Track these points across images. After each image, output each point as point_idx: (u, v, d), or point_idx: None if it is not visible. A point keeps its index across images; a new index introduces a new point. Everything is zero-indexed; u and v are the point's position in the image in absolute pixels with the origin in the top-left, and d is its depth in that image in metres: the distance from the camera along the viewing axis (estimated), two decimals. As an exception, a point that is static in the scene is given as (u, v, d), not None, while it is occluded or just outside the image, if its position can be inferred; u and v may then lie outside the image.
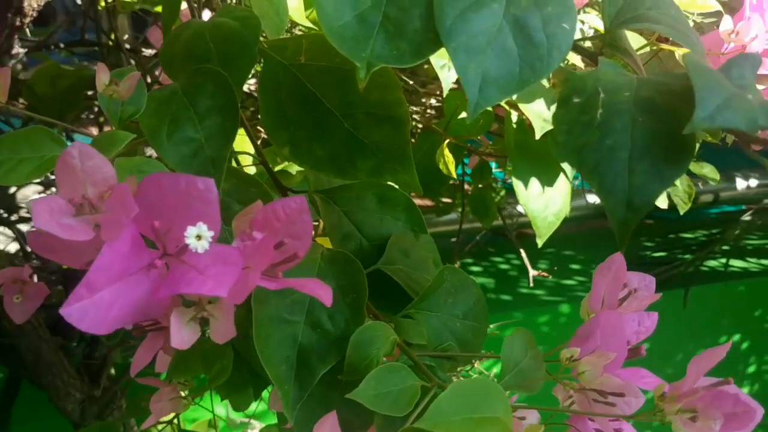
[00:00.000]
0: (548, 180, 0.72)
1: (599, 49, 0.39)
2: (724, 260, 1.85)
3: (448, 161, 0.69)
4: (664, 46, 0.65)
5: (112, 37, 0.99)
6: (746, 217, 1.64)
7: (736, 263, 1.90)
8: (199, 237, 0.33)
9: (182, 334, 0.34)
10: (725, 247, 1.88)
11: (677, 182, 0.85)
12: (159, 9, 0.92)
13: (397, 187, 0.54)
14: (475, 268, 1.93)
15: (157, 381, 0.61)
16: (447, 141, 0.70)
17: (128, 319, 0.34)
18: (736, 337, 1.84)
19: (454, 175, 0.69)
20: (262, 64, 0.47)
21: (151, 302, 0.34)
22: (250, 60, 0.44)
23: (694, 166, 0.92)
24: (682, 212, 0.89)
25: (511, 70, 0.36)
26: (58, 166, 0.33)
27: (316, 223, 0.57)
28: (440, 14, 0.36)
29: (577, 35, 0.56)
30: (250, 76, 0.50)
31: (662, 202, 0.74)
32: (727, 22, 0.60)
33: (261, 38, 0.47)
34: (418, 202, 0.57)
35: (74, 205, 0.33)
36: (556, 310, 1.73)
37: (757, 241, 1.90)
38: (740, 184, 1.84)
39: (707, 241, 1.86)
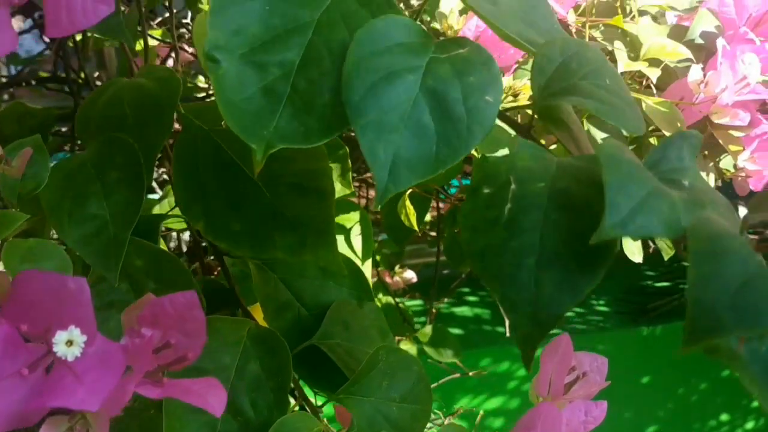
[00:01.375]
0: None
1: (529, 121, 0.36)
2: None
3: (409, 213, 0.65)
4: (635, 95, 0.61)
5: (82, 74, 0.96)
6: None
7: (740, 294, 1.84)
8: (70, 342, 0.29)
9: (54, 449, 0.30)
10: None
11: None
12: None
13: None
14: (471, 298, 1.89)
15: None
16: (409, 191, 0.66)
17: (2, 428, 0.31)
18: (740, 371, 1.78)
19: (416, 227, 0.66)
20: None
21: (27, 410, 0.31)
22: (165, 127, 0.41)
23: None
24: (666, 258, 0.85)
25: (426, 149, 0.32)
26: None
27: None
28: (348, 88, 0.33)
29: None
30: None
31: (638, 257, 0.70)
32: (695, 72, 0.57)
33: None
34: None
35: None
36: (553, 344, 1.68)
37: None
38: (742, 212, 1.79)
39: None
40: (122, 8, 0.51)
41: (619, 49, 0.58)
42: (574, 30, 0.74)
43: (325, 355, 0.47)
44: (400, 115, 0.33)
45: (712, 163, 0.68)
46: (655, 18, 0.78)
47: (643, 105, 0.58)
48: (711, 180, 0.68)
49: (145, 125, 0.41)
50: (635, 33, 0.69)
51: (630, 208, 0.24)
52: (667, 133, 0.56)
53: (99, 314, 0.41)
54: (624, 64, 0.56)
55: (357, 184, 1.19)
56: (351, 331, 0.48)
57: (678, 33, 0.70)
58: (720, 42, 0.58)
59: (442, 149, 0.33)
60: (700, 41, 0.68)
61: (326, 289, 0.50)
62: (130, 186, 0.39)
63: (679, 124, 0.57)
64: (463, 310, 1.81)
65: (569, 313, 1.80)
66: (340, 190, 0.69)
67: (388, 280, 1.22)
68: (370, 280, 0.71)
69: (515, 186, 0.28)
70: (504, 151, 0.64)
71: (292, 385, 0.44)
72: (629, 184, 0.25)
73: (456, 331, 1.68)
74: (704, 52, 0.68)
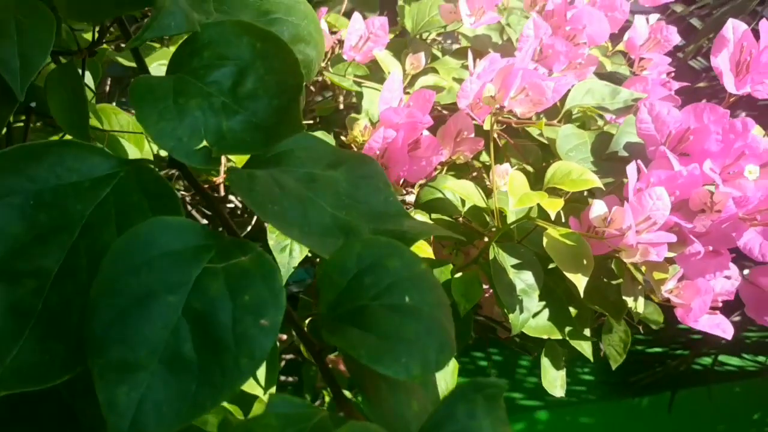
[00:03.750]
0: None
1: (318, 344, 0.30)
2: (719, 358, 1.71)
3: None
4: (541, 222, 0.56)
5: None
6: (736, 318, 1.51)
7: (732, 361, 1.76)
8: None
9: None
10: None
11: (610, 330, 0.74)
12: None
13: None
14: (453, 364, 1.81)
15: None
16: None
17: None
18: (735, 443, 1.70)
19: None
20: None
21: None
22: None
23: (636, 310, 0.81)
24: (614, 366, 0.78)
25: (184, 389, 0.27)
26: None
27: None
28: (90, 316, 0.28)
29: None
30: None
31: (559, 391, 0.64)
32: (598, 207, 0.51)
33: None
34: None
35: None
36: (533, 417, 1.60)
37: (755, 333, 1.76)
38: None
39: (700, 338, 1.71)
40: None
41: (517, 177, 0.53)
42: (496, 135, 0.69)
43: None
44: (152, 349, 0.27)
45: (641, 286, 0.62)
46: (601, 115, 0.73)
47: (544, 240, 0.52)
48: (640, 305, 0.62)
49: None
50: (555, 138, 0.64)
51: None
52: (568, 274, 0.51)
53: None
54: (515, 199, 0.51)
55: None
56: None
57: (603, 141, 0.65)
58: (631, 169, 0.53)
59: (203, 388, 0.27)
60: (624, 153, 0.62)
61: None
62: None
63: (585, 261, 0.51)
64: (442, 379, 1.74)
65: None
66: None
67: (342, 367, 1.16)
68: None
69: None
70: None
71: None
72: None
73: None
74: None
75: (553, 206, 0.51)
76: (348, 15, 1.08)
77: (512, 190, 0.51)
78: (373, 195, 0.36)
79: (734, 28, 0.61)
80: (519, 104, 0.54)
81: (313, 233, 0.32)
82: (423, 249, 0.52)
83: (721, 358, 1.72)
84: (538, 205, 0.58)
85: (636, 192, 0.52)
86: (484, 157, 0.76)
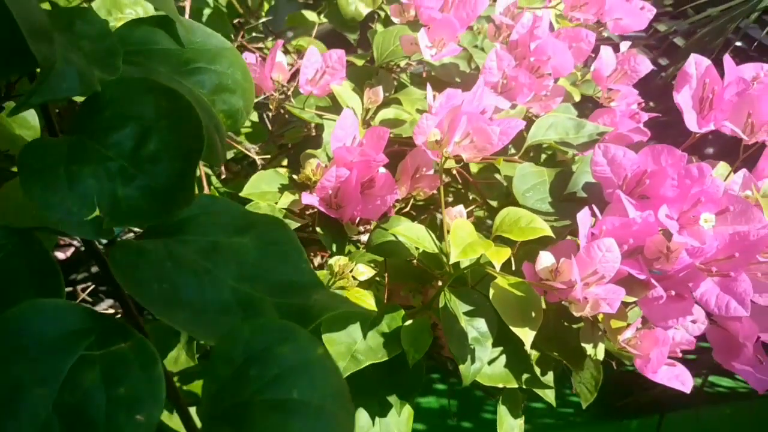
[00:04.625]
0: (381, 409, 0.60)
1: None
2: (710, 378, 1.67)
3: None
4: (491, 270, 0.53)
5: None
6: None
7: (723, 382, 1.72)
8: None
9: None
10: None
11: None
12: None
13: None
14: (439, 386, 1.79)
15: None
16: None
17: None
18: (725, 467, 1.66)
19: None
20: None
21: None
22: None
23: (609, 344, 0.79)
24: (585, 405, 0.76)
25: (48, 494, 0.25)
26: None
27: None
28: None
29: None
30: None
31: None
32: (545, 259, 0.49)
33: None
34: None
35: None
36: (520, 441, 1.57)
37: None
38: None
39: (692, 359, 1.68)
40: None
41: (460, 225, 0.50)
42: (455, 171, 0.67)
43: None
44: (16, 449, 0.25)
45: (601, 332, 0.60)
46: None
47: (491, 291, 0.50)
48: (600, 352, 0.60)
49: None
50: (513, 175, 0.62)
51: None
52: (514, 328, 0.48)
53: None
54: (458, 251, 0.48)
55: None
56: None
57: (563, 179, 0.63)
58: (582, 216, 0.50)
59: (69, 493, 0.25)
60: (583, 194, 0.60)
61: None
62: None
63: (533, 314, 0.49)
64: (429, 401, 1.71)
65: (537, 405, 1.69)
66: (184, 361, 0.62)
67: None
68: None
69: None
70: (355, 328, 0.56)
71: None
72: None
73: (418, 426, 1.58)
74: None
75: (499, 256, 0.48)
76: (324, 37, 1.07)
77: (455, 241, 0.48)
78: (283, 263, 0.34)
79: (697, 63, 0.59)
80: (464, 150, 0.52)
81: (208, 312, 0.30)
82: (364, 300, 0.50)
83: (712, 378, 1.69)
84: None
85: (587, 241, 0.49)
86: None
